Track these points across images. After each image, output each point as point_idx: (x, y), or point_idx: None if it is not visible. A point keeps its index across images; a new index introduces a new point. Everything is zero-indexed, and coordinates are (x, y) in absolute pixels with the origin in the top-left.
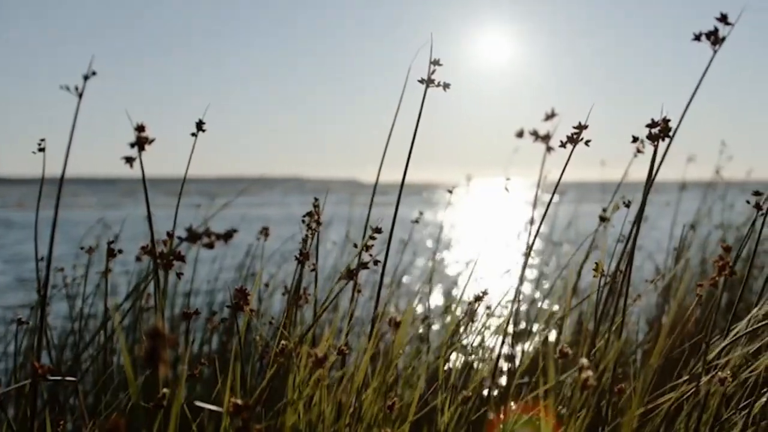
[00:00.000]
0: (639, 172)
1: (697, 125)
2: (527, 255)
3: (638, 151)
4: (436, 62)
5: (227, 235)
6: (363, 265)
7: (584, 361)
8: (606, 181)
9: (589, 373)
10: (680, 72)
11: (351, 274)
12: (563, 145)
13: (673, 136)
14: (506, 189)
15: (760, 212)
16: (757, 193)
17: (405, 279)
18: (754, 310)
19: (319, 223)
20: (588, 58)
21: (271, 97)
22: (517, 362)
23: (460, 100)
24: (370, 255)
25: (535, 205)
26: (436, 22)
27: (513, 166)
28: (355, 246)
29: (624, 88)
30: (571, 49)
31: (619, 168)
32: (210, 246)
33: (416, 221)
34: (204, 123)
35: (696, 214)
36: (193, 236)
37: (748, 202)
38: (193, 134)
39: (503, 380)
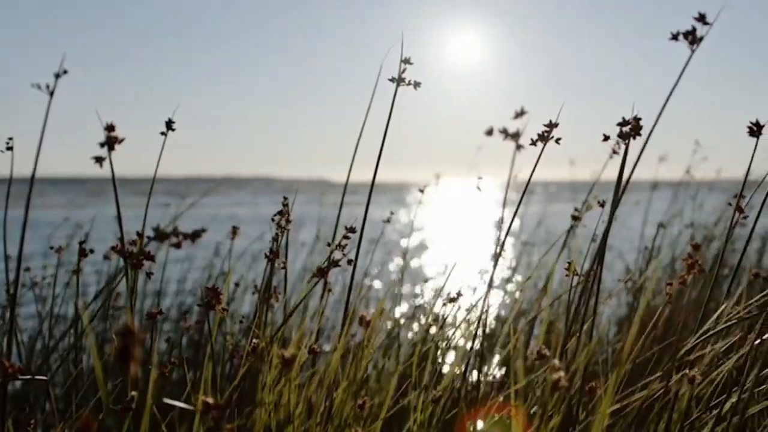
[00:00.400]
0: (610, 171)
1: (670, 125)
2: (498, 255)
3: (614, 152)
4: (406, 61)
5: (195, 235)
6: (334, 264)
7: (556, 362)
8: (576, 180)
9: (561, 374)
10: (652, 72)
11: (322, 273)
12: (533, 143)
13: (650, 135)
14: (478, 188)
15: (742, 215)
16: (740, 196)
17: (376, 279)
18: (722, 307)
19: (288, 221)
20: (559, 58)
21: (240, 97)
22: (489, 362)
23: (431, 100)
24: (343, 254)
25: (505, 205)
26: (407, 21)
27: (483, 166)
28: (329, 245)
29: (595, 89)
30: (542, 49)
31: (589, 167)
32: (178, 245)
33: (387, 221)
34: (173, 122)
35: (666, 214)
36: (161, 236)
37: (729, 204)
38: (163, 133)
39: (475, 380)
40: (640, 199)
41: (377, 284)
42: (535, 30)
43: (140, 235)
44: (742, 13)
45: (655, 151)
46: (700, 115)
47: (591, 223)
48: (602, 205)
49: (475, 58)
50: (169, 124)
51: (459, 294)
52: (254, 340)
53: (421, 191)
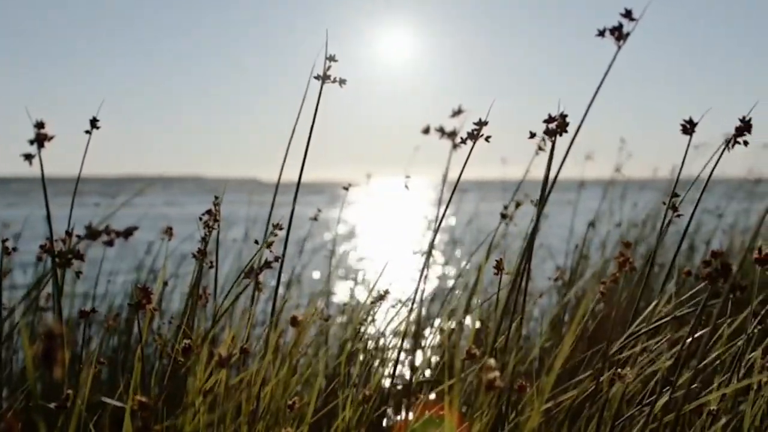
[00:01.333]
0: (540, 170)
1: (597, 123)
2: (429, 253)
3: (540, 148)
4: (331, 58)
5: (127, 233)
6: (266, 265)
7: (492, 361)
8: (507, 179)
9: (496, 373)
10: (583, 70)
11: (254, 273)
12: (464, 141)
13: (577, 132)
14: (406, 187)
15: (676, 214)
16: (674, 195)
17: (305, 277)
18: (652, 306)
19: (217, 221)
20: (491, 56)
21: (171, 96)
22: (419, 361)
23: (366, 99)
24: (271, 251)
25: (439, 204)
26: (339, 20)
27: (415, 165)
28: (256, 242)
29: (526, 87)
30: (473, 48)
31: (520, 166)
32: (110, 243)
33: (315, 219)
34: (98, 120)
35: (596, 212)
36: (93, 233)
37: (664, 203)
38: (87, 132)
39: (405, 378)
40: (570, 198)
41: (307, 282)
42: (466, 29)
43: (69, 234)
44: (670, 10)
45: (583, 149)
46: (627, 114)
47: (522, 221)
48: (534, 203)
49: (406, 57)
50: (94, 123)
51: (387, 292)
52: (186, 341)
53: (346, 189)
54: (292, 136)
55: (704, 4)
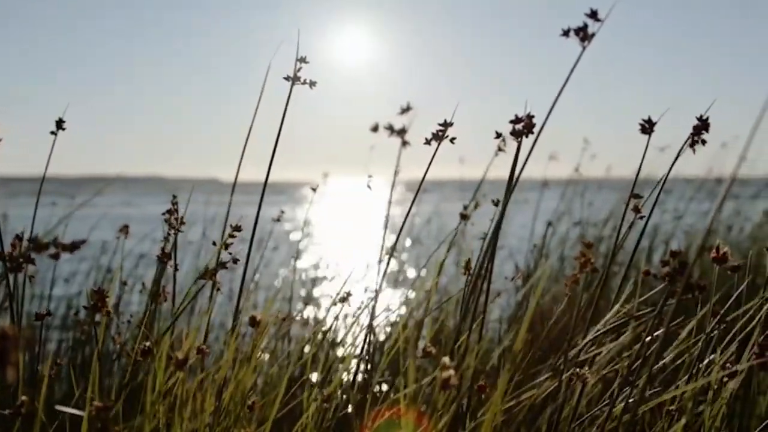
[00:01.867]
0: (499, 170)
1: (561, 123)
2: (390, 254)
3: (499, 149)
4: (302, 60)
5: (74, 246)
6: (222, 265)
7: (446, 360)
8: (465, 179)
9: (451, 372)
10: (546, 70)
11: (211, 274)
12: (428, 142)
13: (540, 132)
14: (368, 186)
15: (639, 215)
16: (636, 196)
17: (266, 278)
18: (615, 307)
19: (180, 222)
20: (449, 56)
21: (129, 95)
22: (378, 360)
23: (319, 99)
24: (230, 253)
25: (389, 204)
26: (294, 19)
27: (373, 164)
28: (214, 244)
29: (486, 87)
30: (431, 48)
31: (478, 166)
32: (56, 257)
33: (277, 220)
34: (64, 121)
35: (556, 212)
36: (39, 247)
37: (626, 204)
38: (53, 133)
39: (366, 379)
40: (529, 197)
41: (267, 283)
42: (425, 28)
43: (20, 238)
44: (633, 11)
45: (546, 149)
46: (589, 114)
47: (480, 221)
48: (496, 203)
49: (365, 57)
50: (60, 124)
51: (348, 293)
52: (146, 343)
53: (314, 190)
54: (248, 136)
55: (667, 5)
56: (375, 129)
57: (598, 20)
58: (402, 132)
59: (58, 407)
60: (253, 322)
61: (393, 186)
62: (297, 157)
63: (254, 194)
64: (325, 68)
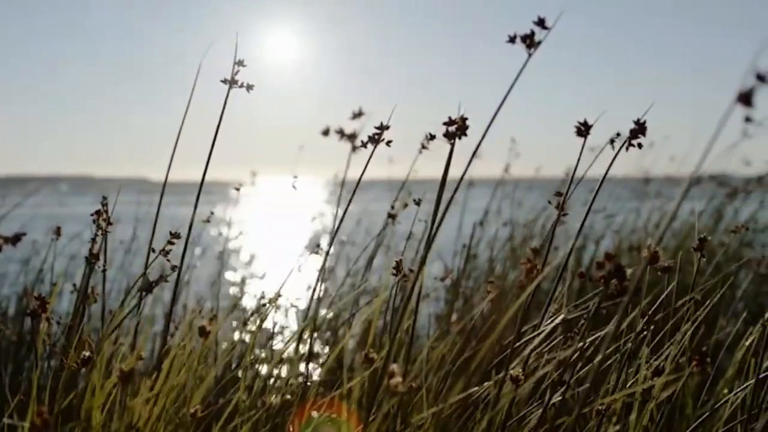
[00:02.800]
0: (428, 170)
1: (485, 122)
2: (325, 255)
3: (423, 147)
4: (240, 63)
5: (15, 238)
6: (163, 278)
7: (394, 366)
8: (393, 178)
9: (399, 379)
10: (480, 72)
11: (150, 288)
12: (364, 145)
13: (485, 135)
14: (294, 187)
15: (563, 213)
16: (558, 194)
17: (194, 279)
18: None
19: (109, 222)
20: (374, 57)
21: (59, 95)
22: (313, 364)
23: (245, 99)
24: (168, 260)
25: (324, 204)
26: (222, 18)
27: (301, 165)
28: (153, 251)
29: (412, 88)
30: (357, 48)
31: (406, 166)
32: None
33: (207, 220)
34: None
35: (485, 212)
36: None
37: (549, 202)
38: None
39: (300, 381)
40: (456, 197)
41: (196, 284)
42: (351, 29)
43: None
44: (576, 15)
45: (472, 149)
46: (515, 113)
47: (407, 221)
48: (418, 203)
49: (293, 57)
50: None
51: (278, 294)
52: (85, 353)
53: (237, 189)
54: (178, 137)
55: (602, 12)
56: (326, 133)
57: (545, 28)
58: (353, 137)
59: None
60: (202, 332)
61: (329, 185)
62: (225, 156)
63: (183, 194)
64: (254, 67)
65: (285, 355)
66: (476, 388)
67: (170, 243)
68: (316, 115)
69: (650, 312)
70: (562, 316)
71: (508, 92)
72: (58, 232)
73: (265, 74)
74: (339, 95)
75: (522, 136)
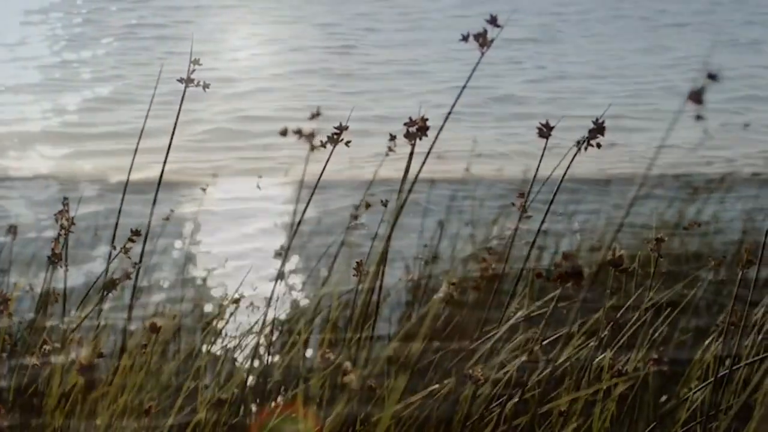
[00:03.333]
0: (388, 170)
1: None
2: (285, 255)
3: (390, 149)
4: (195, 62)
5: None
6: (126, 276)
7: (348, 364)
8: (354, 179)
9: (353, 377)
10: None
11: (113, 285)
12: (323, 145)
13: (438, 136)
14: (258, 187)
15: (526, 215)
16: (521, 195)
17: (154, 279)
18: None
19: (72, 223)
20: (338, 55)
21: None
22: (272, 362)
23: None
24: (129, 257)
25: (285, 204)
26: (170, 11)
27: (266, 164)
28: (114, 248)
29: (371, 85)
30: (318, 43)
31: (369, 166)
32: None
33: (167, 219)
34: None
35: (446, 212)
36: None
37: (513, 204)
38: None
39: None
40: (418, 197)
41: (156, 284)
42: (310, 21)
43: None
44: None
45: (435, 148)
46: (476, 115)
47: (371, 222)
48: (385, 204)
49: (241, 55)
50: None
51: (241, 296)
52: (47, 347)
53: (203, 189)
54: (140, 136)
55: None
56: (284, 133)
57: (497, 26)
58: (311, 136)
59: None
60: (153, 328)
61: (299, 189)
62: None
63: (141, 193)
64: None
65: (242, 357)
66: (436, 386)
67: (131, 240)
68: (286, 116)
69: (616, 315)
70: (520, 313)
71: (462, 89)
72: (14, 231)
73: (215, 69)
74: (293, 95)
75: (482, 137)
